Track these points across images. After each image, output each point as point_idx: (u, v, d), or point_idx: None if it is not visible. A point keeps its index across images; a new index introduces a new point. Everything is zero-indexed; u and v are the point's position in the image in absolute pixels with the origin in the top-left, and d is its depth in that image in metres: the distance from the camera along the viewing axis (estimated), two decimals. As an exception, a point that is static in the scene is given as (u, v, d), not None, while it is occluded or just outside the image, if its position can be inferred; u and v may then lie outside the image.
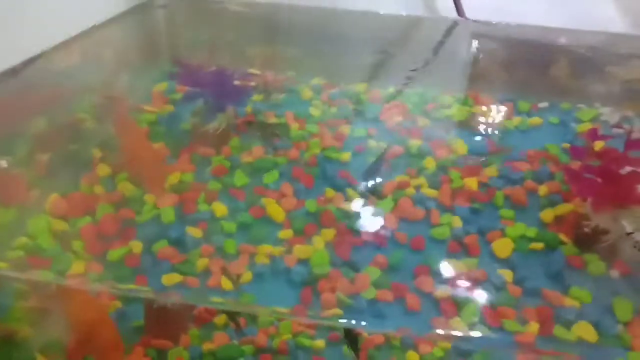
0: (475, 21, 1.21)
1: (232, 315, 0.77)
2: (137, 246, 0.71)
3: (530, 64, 1.14)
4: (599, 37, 1.20)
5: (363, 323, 0.62)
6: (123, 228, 0.74)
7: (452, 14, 1.23)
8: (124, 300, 0.84)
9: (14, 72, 0.83)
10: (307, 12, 1.22)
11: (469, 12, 1.23)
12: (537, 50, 1.18)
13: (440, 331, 0.61)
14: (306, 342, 0.85)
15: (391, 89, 1.06)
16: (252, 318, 0.83)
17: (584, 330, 0.63)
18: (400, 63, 1.14)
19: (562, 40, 1.19)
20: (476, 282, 0.70)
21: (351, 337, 0.78)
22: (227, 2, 1.21)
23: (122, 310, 0.84)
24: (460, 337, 0.60)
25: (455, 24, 1.22)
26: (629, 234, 0.67)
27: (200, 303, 0.62)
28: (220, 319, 0.82)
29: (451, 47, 1.16)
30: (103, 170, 0.82)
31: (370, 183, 0.83)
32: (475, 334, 0.60)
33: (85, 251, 0.69)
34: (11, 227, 0.71)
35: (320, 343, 0.86)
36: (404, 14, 1.23)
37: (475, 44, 1.17)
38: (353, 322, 0.57)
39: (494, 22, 1.20)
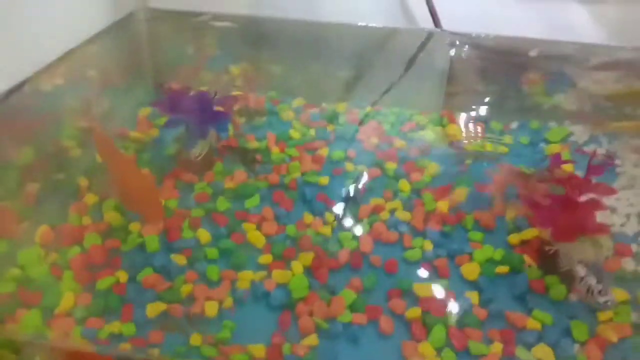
0: (451, 33, 1.24)
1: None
2: (123, 275, 0.75)
3: (504, 78, 1.17)
4: (574, 47, 1.23)
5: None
6: (110, 257, 0.77)
7: (430, 24, 1.26)
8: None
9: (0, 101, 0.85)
10: (287, 24, 1.23)
11: (447, 22, 1.25)
12: (511, 64, 1.20)
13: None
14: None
15: (368, 108, 1.09)
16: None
17: (544, 353, 0.68)
18: (378, 78, 1.17)
19: (537, 52, 1.22)
20: (445, 305, 0.74)
21: None
22: (206, 16, 1.23)
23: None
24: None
25: (431, 35, 1.24)
26: (582, 278, 0.71)
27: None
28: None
29: (427, 61, 1.19)
30: (90, 199, 0.85)
31: (348, 207, 0.87)
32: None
33: (74, 281, 0.73)
34: (2, 259, 0.74)
35: None
36: (381, 25, 1.26)
37: (450, 58, 1.19)
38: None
39: (470, 34, 1.22)
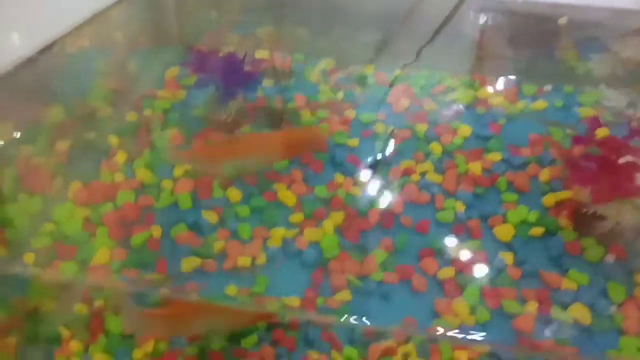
0: None
1: None
2: (157, 231, 0.75)
3: (536, 43, 1.15)
4: (605, 13, 1.20)
5: (367, 322, 0.66)
6: (143, 214, 0.78)
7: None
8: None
9: (30, 61, 0.85)
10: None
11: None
12: (543, 29, 1.17)
13: (440, 330, 0.66)
14: (317, 317, 0.89)
15: (397, 71, 1.07)
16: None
17: (580, 312, 0.67)
18: (407, 41, 1.15)
19: (566, 20, 1.18)
20: (478, 265, 0.74)
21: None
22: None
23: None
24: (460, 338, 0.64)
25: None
26: None
27: (215, 301, 0.67)
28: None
29: (458, 25, 1.16)
30: (121, 157, 0.85)
31: (378, 168, 0.86)
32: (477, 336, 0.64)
33: (108, 237, 0.74)
34: (37, 215, 0.75)
35: (330, 318, 0.90)
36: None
37: (481, 21, 1.17)
38: (363, 320, 0.61)
39: (501, -2, 1.19)
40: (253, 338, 0.81)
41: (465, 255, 0.74)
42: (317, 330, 0.85)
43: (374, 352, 0.86)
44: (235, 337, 0.81)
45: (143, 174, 0.82)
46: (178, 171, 0.83)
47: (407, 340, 0.90)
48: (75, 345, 0.80)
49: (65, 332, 0.82)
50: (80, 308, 0.85)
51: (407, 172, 0.85)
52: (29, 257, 0.69)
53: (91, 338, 0.81)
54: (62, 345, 0.84)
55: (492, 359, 0.89)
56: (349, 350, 0.86)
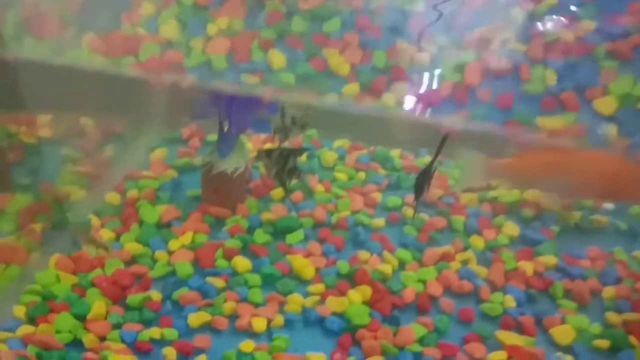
0: None
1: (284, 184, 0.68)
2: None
3: None
4: None
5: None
6: (171, 70, 0.66)
7: None
8: (180, 169, 0.78)
9: None
10: None
11: None
12: None
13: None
14: (365, 220, 0.78)
15: None
16: (310, 193, 0.77)
17: None
18: None
19: None
20: (576, 138, 0.61)
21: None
22: None
23: (178, 180, 0.77)
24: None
25: None
26: None
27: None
28: (277, 193, 0.75)
29: None
30: (147, 9, 0.72)
31: (450, 35, 0.73)
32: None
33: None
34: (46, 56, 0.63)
35: (379, 222, 0.79)
36: None
37: None
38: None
39: None
40: (299, 234, 0.70)
41: (559, 127, 0.62)
42: (368, 231, 0.74)
43: (431, 257, 0.74)
44: (279, 232, 0.70)
45: (170, 30, 0.69)
46: (211, 28, 0.70)
47: (466, 248, 0.79)
48: (105, 234, 0.70)
49: (95, 220, 0.72)
50: (112, 197, 0.75)
51: (483, 39, 0.72)
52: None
53: (123, 227, 0.70)
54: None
55: (560, 273, 0.78)
56: (402, 252, 0.74)
